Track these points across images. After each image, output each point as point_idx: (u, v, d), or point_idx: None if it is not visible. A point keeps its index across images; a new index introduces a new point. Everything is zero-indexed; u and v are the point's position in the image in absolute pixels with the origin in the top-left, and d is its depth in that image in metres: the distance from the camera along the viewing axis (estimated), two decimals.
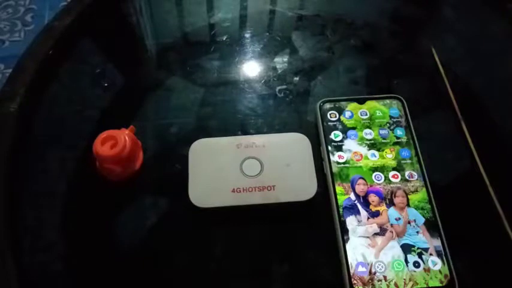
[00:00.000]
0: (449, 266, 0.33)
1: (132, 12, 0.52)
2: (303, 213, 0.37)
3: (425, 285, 0.32)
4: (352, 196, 0.36)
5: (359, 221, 0.35)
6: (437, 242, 0.34)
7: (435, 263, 0.33)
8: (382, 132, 0.39)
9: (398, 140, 0.39)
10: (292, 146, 0.38)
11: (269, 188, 0.35)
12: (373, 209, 0.35)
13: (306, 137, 0.38)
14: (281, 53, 0.48)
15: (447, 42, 0.48)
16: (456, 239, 0.34)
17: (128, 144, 0.36)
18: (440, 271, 0.33)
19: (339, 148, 0.39)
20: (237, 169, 0.36)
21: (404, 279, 0.32)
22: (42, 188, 0.39)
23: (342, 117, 0.40)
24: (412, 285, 0.32)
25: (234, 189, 0.35)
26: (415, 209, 0.35)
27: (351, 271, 0.33)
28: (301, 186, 0.36)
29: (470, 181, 0.39)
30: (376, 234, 0.34)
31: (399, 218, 0.35)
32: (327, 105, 0.41)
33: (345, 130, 0.40)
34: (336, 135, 0.39)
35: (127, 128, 0.38)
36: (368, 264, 0.33)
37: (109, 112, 0.43)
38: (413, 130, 0.40)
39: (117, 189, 0.38)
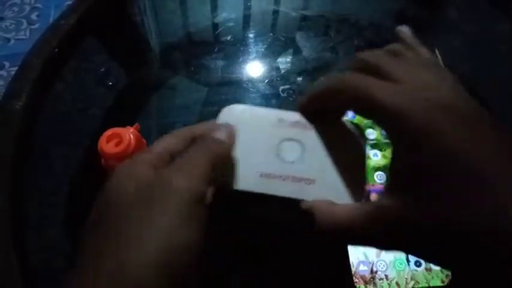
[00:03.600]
0: None
1: (136, 11, 0.52)
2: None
3: (426, 285, 0.32)
4: None
5: None
6: None
7: None
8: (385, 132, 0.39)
9: None
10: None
11: (307, 182, 0.27)
12: None
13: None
14: (285, 53, 0.48)
15: (451, 42, 0.48)
16: None
17: (132, 142, 0.36)
18: (441, 271, 0.33)
19: None
20: (272, 150, 0.28)
21: (406, 278, 0.32)
22: (47, 186, 0.39)
23: (344, 117, 0.40)
24: (414, 284, 0.32)
25: (262, 173, 0.28)
26: None
27: (353, 270, 0.33)
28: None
29: None
30: None
31: None
32: None
33: None
34: None
35: (132, 126, 0.38)
36: (370, 263, 0.33)
37: (113, 110, 0.44)
38: None
39: None
